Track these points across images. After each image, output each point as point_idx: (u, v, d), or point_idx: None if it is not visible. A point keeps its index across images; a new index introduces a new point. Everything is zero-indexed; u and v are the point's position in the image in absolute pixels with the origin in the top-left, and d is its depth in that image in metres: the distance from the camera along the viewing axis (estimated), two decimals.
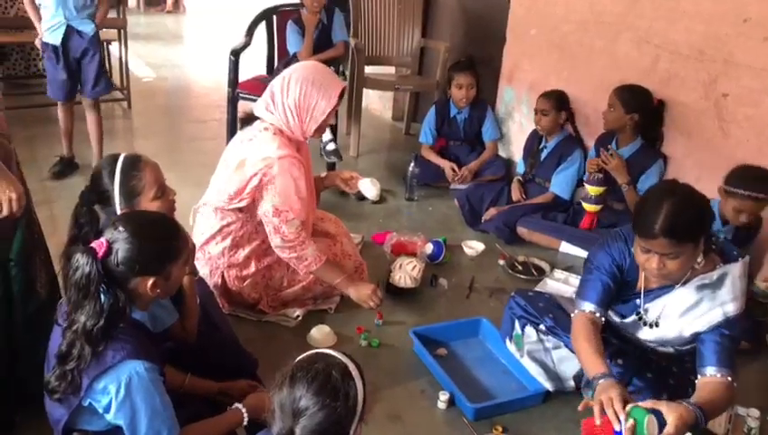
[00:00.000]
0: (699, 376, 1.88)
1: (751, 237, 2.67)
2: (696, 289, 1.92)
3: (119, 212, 1.85)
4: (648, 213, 1.80)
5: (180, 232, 1.66)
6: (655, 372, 2.05)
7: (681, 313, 1.95)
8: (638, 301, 2.05)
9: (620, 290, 2.06)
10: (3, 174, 1.71)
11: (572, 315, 2.06)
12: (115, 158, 1.90)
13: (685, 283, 1.94)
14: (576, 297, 2.08)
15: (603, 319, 2.03)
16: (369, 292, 2.52)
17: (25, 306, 1.96)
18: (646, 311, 2.03)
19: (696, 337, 1.95)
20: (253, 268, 2.57)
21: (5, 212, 1.71)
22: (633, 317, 2.07)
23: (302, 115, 2.44)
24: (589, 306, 2.00)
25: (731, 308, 1.88)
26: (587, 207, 3.28)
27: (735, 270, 1.91)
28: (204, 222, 2.58)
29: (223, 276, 2.58)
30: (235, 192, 2.45)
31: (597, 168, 3.22)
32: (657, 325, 2.02)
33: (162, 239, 1.59)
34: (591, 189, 3.22)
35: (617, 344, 2.16)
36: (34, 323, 1.96)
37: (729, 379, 1.83)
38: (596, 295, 2.01)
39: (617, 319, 2.14)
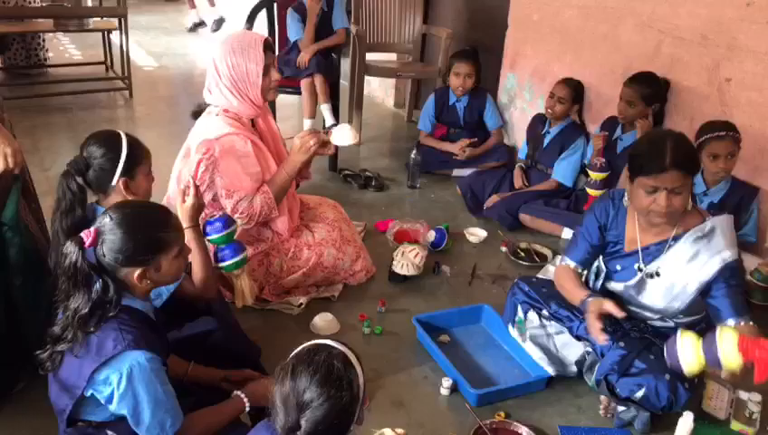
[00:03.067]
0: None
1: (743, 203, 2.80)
2: (692, 242, 2.02)
3: (116, 178, 1.85)
4: (655, 150, 1.94)
5: (171, 222, 1.63)
6: (656, 353, 2.06)
7: (684, 263, 2.03)
8: (636, 265, 2.12)
9: (605, 248, 2.24)
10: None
11: (556, 266, 2.36)
12: (110, 132, 1.92)
13: (678, 238, 2.04)
14: (563, 253, 2.34)
15: (583, 272, 2.31)
16: (305, 138, 2.44)
17: (25, 269, 1.98)
18: (646, 266, 2.10)
19: (701, 293, 2.02)
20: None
21: (1, 167, 1.79)
22: (637, 276, 2.12)
23: (240, 88, 2.42)
24: (571, 263, 2.27)
25: (728, 255, 1.98)
26: (590, 191, 3.28)
27: (723, 222, 2.03)
28: None
29: None
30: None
31: (604, 143, 3.25)
32: (658, 275, 2.07)
33: (148, 231, 1.57)
34: (595, 175, 3.22)
35: (619, 327, 2.17)
36: (35, 282, 1.99)
37: (751, 323, 1.95)
38: (579, 256, 2.26)
39: (620, 287, 2.17)
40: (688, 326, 2.13)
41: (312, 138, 2.45)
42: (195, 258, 1.92)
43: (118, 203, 1.68)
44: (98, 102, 5.17)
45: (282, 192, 2.51)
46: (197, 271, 1.94)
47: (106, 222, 1.53)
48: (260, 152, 2.47)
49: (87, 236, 1.51)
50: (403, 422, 2.01)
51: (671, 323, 2.15)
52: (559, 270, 2.30)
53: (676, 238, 2.05)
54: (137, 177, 1.90)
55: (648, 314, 2.17)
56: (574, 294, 2.17)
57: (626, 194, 2.13)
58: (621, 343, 2.10)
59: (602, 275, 2.23)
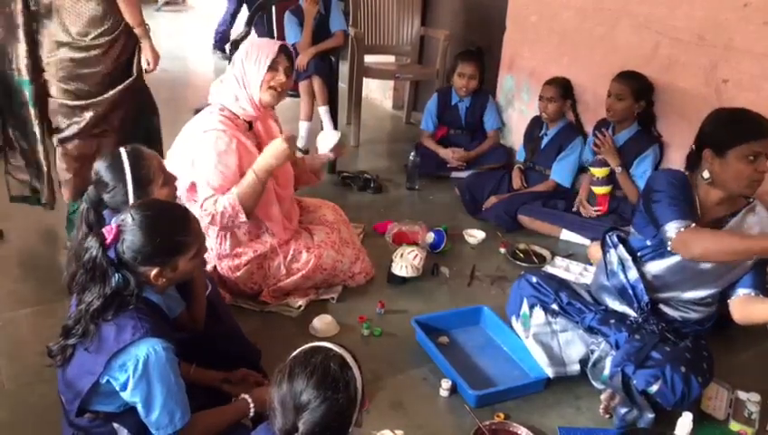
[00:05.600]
0: (733, 297, 2.04)
1: None
2: (751, 216, 2.05)
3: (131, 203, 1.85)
4: (754, 118, 1.95)
5: (191, 226, 1.66)
6: (671, 345, 2.07)
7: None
8: None
9: None
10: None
11: (671, 239, 1.95)
12: (115, 154, 1.90)
13: (735, 214, 2.06)
14: (661, 227, 2.00)
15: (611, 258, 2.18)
16: (279, 143, 2.38)
17: None
18: None
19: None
20: (244, 257, 2.56)
21: (152, 67, 2.95)
22: None
23: (240, 85, 2.42)
24: (677, 224, 1.94)
25: None
26: (597, 190, 3.27)
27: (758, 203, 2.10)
28: None
29: (216, 268, 2.58)
30: (182, 180, 2.43)
31: (604, 144, 3.24)
32: None
33: (168, 233, 1.60)
34: (597, 171, 3.22)
35: (635, 321, 2.17)
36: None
37: (761, 296, 1.99)
38: (680, 212, 1.97)
39: (672, 262, 2.10)
40: (704, 320, 2.17)
41: (285, 143, 2.38)
42: (196, 297, 1.93)
43: (141, 203, 1.70)
44: None
45: (250, 195, 2.38)
46: (196, 308, 1.94)
47: (128, 222, 1.56)
48: (247, 154, 2.44)
49: (108, 232, 1.55)
50: (402, 424, 2.01)
51: (692, 315, 2.15)
52: (691, 234, 1.92)
53: (733, 214, 2.06)
54: (152, 194, 1.90)
55: (688, 296, 2.13)
56: (756, 239, 1.90)
57: (705, 173, 2.02)
58: (637, 336, 2.10)
59: (646, 256, 2.16)
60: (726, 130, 1.99)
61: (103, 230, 1.56)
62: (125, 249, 1.55)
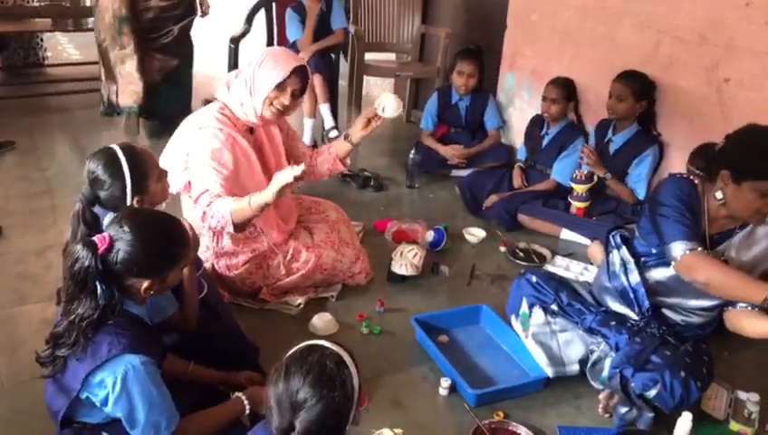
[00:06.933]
0: (731, 308, 2.06)
1: None
2: (759, 229, 2.03)
3: (129, 201, 1.85)
4: None
5: (186, 237, 1.64)
6: (672, 350, 2.05)
7: (750, 249, 2.04)
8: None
9: None
10: None
11: (676, 260, 1.95)
12: (107, 151, 1.88)
13: (744, 227, 2.04)
14: (665, 244, 1.99)
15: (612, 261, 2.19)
16: (285, 174, 2.15)
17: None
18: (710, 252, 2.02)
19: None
20: (242, 257, 2.55)
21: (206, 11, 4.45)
22: None
23: (247, 90, 2.36)
24: (684, 245, 1.93)
25: None
26: (576, 204, 3.31)
27: None
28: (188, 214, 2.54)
29: (214, 267, 2.57)
30: (178, 177, 2.42)
31: (593, 157, 3.24)
32: (725, 262, 2.02)
33: (164, 246, 1.58)
34: (579, 188, 3.27)
35: (636, 324, 2.16)
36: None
37: (757, 310, 1.99)
38: (687, 233, 1.95)
39: (666, 274, 2.09)
40: (706, 325, 2.16)
41: (289, 185, 2.16)
42: (188, 297, 1.92)
43: (133, 213, 1.66)
44: (96, 102, 5.14)
45: (241, 217, 2.25)
46: (188, 308, 1.92)
47: (123, 232, 1.51)
48: (242, 155, 2.41)
49: (101, 242, 1.50)
50: (401, 422, 2.00)
51: (694, 320, 2.15)
52: (698, 260, 1.92)
53: (741, 227, 2.04)
54: (149, 189, 1.89)
55: (692, 303, 2.13)
56: (750, 285, 1.86)
57: (719, 193, 1.97)
58: (637, 339, 2.08)
59: (650, 262, 2.14)
60: (751, 162, 1.89)
61: (95, 239, 1.51)
62: (119, 260, 1.50)
